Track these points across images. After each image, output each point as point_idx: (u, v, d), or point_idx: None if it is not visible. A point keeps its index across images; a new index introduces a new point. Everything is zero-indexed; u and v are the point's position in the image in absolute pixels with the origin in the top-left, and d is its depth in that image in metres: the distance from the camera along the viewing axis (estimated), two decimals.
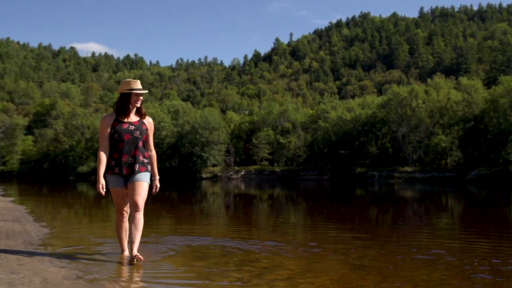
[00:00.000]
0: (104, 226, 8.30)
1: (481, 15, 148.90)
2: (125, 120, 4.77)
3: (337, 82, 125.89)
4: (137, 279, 3.96)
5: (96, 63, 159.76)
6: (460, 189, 26.99)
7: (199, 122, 58.55)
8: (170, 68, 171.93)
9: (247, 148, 60.94)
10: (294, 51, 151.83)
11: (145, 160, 4.82)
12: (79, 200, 18.27)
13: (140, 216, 4.64)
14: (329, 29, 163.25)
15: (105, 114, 5.17)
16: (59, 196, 20.77)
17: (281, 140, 58.08)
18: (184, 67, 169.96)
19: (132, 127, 4.75)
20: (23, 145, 73.32)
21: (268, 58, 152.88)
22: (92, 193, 22.43)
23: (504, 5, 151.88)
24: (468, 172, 44.34)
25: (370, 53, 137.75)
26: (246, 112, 78.78)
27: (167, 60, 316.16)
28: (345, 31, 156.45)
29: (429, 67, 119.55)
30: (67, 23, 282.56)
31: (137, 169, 4.73)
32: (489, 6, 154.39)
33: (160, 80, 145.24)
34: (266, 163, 59.37)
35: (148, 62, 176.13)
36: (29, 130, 77.69)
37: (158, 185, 4.88)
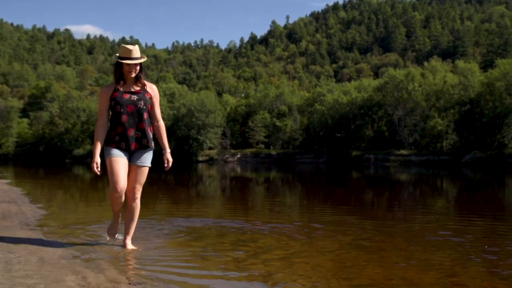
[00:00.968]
0: (101, 207, 8.31)
1: None
2: (126, 90, 4.29)
3: (334, 65, 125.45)
4: (133, 259, 3.97)
5: (91, 46, 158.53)
6: (455, 172, 27.12)
7: (195, 105, 58.42)
8: (166, 50, 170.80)
9: (243, 131, 60.94)
10: (291, 33, 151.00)
11: (151, 135, 4.36)
12: (75, 183, 18.28)
13: (136, 205, 4.35)
14: (325, 11, 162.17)
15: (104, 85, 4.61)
16: (55, 179, 20.76)
17: (277, 123, 58.07)
18: (180, 50, 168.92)
19: (135, 97, 4.27)
20: (18, 128, 73.03)
21: (264, 40, 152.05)
22: (88, 176, 22.44)
23: None
24: (464, 156, 44.50)
25: (367, 36, 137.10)
26: (242, 95, 78.56)
27: (163, 42, 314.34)
28: (342, 13, 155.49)
29: (425, 50, 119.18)
30: (62, 4, 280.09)
31: (146, 143, 4.31)
32: None
33: (155, 62, 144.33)
34: (262, 146, 59.44)
35: (143, 45, 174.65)
36: (24, 113, 77.34)
37: (171, 160, 4.43)
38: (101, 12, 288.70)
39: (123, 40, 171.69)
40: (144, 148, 4.32)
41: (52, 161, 57.49)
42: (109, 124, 4.32)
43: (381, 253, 4.40)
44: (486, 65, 72.31)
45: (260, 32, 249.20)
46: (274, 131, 58.50)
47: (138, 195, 4.35)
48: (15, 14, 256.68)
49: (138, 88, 4.32)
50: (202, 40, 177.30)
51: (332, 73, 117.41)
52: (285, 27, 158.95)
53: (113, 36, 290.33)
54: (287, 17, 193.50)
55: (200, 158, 57.09)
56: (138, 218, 4.52)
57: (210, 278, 3.40)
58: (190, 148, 57.62)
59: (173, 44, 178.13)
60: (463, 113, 48.34)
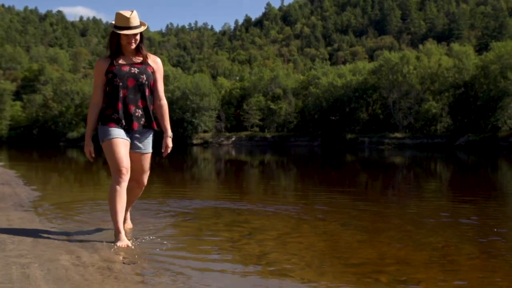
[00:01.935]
0: (95, 189, 8.31)
1: None
2: (125, 62, 3.77)
3: (329, 48, 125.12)
4: (127, 240, 3.98)
5: (84, 28, 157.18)
6: (449, 155, 27.25)
7: (189, 88, 58.23)
8: (160, 33, 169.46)
9: (238, 114, 60.89)
10: (286, 16, 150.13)
11: (153, 115, 3.88)
12: (69, 166, 18.24)
13: (141, 191, 4.10)
14: None
15: (98, 58, 4.03)
16: (49, 162, 20.71)
17: (272, 106, 58.02)
18: (174, 32, 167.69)
19: (136, 70, 3.74)
20: (11, 111, 72.70)
21: (259, 23, 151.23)
22: (82, 159, 22.39)
23: None
24: (457, 138, 44.73)
25: (362, 19, 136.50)
26: (237, 78, 78.30)
27: (156, 25, 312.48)
28: None
29: (421, 33, 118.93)
30: None
31: (149, 124, 3.84)
32: None
33: (149, 45, 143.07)
34: (257, 129, 59.45)
35: None
36: (17, 95, 76.87)
37: (170, 145, 3.92)
38: None
39: None
40: (146, 128, 3.84)
41: (46, 144, 57.32)
42: (104, 102, 3.77)
43: (375, 233, 4.43)
44: (481, 48, 72.35)
45: (255, 15, 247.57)
46: (269, 114, 58.47)
47: (146, 181, 4.03)
48: None
49: (139, 60, 3.80)
50: (196, 23, 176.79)
51: (327, 56, 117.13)
52: (280, 9, 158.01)
53: (106, 18, 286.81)
54: None
55: (194, 141, 57.09)
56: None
57: (204, 259, 3.41)
58: (184, 131, 57.56)
59: (167, 26, 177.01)
60: (458, 96, 48.45)
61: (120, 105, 3.70)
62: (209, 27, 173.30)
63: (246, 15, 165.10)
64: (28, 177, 10.73)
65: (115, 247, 3.56)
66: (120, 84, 3.69)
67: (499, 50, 45.76)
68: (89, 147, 3.80)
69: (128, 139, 3.76)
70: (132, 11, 3.68)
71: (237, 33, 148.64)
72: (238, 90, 64.80)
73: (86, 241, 3.81)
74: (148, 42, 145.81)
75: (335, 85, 55.35)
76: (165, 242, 3.83)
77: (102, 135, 3.71)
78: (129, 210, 4.23)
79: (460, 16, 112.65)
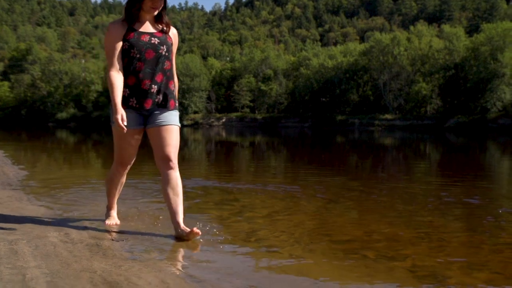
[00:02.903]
0: (85, 169, 8.28)
1: None
2: (143, 30, 3.29)
3: (320, 29, 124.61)
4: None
5: (73, 7, 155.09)
6: (439, 137, 27.43)
7: (180, 69, 57.75)
8: None
9: (229, 95, 60.66)
10: None
11: (175, 91, 3.43)
12: (58, 146, 18.13)
13: (177, 175, 3.40)
14: None
15: (111, 21, 3.46)
16: (38, 142, 20.56)
17: (263, 87, 57.84)
18: None
19: (156, 40, 3.27)
20: None
21: (250, 3, 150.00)
22: (72, 140, 22.26)
23: None
24: (447, 120, 44.97)
25: None
26: (228, 58, 77.80)
27: None
28: None
29: (412, 14, 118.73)
30: None
31: (166, 103, 3.35)
32: None
33: None
34: (248, 110, 59.32)
35: None
36: (4, 75, 75.93)
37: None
38: None
39: (105, 2, 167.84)
40: (163, 111, 3.34)
41: (35, 124, 56.83)
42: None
43: (364, 212, 4.47)
44: (472, 30, 72.30)
45: None
46: (259, 95, 58.31)
47: (175, 162, 3.40)
48: None
49: (159, 29, 3.34)
50: (186, 3, 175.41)
51: (318, 37, 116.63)
52: None
53: None
54: None
55: (185, 122, 56.88)
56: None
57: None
58: None
59: None
60: (448, 78, 48.57)
61: (133, 80, 3.24)
62: (200, 7, 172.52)
63: None
64: (16, 157, 10.66)
65: (105, 224, 3.60)
66: (138, 56, 3.22)
67: (490, 32, 45.79)
68: (119, 113, 3.05)
69: (136, 124, 3.33)
70: None
71: (228, 13, 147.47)
72: (228, 71, 64.44)
73: (75, 219, 3.80)
74: None
75: (325, 67, 55.23)
76: (153, 219, 3.84)
77: (113, 118, 3.17)
78: (180, 214, 3.33)
79: None
